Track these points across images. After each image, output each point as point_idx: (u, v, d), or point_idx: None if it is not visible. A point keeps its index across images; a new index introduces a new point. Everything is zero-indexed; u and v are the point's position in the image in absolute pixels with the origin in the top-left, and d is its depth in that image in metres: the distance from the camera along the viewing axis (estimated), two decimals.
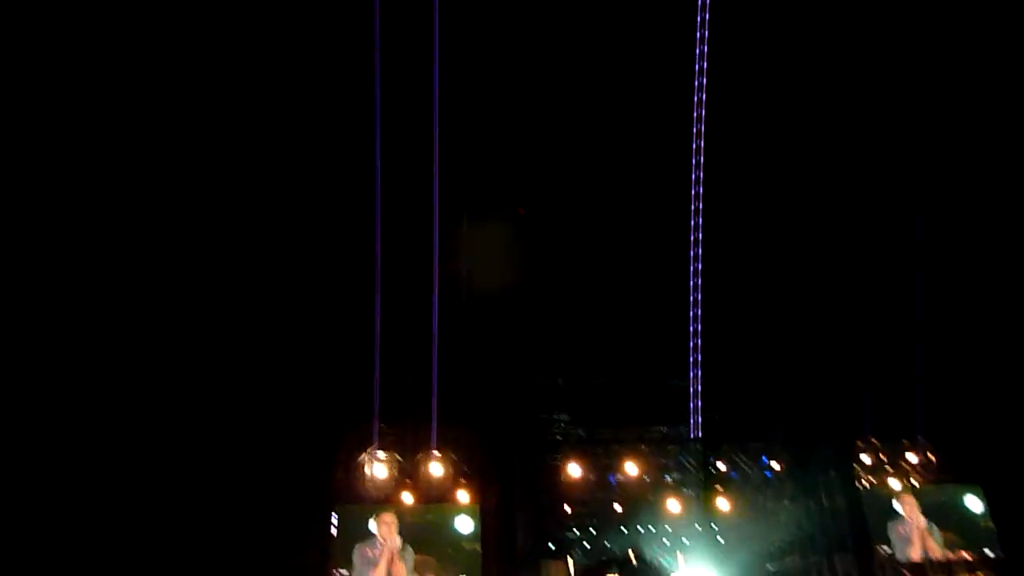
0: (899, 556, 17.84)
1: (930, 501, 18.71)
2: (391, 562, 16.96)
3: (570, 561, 23.78)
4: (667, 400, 19.75)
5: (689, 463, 20.73)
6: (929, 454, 19.32)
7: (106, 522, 14.79)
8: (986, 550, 18.00)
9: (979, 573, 17.69)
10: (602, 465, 20.90)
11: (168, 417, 15.77)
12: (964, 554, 18.00)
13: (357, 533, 17.07)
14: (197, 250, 15.86)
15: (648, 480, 21.17)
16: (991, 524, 18.26)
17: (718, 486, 21.23)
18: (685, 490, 21.16)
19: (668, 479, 21.38)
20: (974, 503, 18.48)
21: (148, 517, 15.40)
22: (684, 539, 24.05)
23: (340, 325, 16.43)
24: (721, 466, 21.08)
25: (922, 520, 18.22)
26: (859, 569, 18.50)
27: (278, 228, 16.19)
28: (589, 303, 16.57)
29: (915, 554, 17.86)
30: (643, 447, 20.70)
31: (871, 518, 18.60)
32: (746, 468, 21.37)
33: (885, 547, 18.25)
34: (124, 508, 15.11)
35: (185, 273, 15.76)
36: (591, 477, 20.91)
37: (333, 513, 17.23)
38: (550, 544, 23.51)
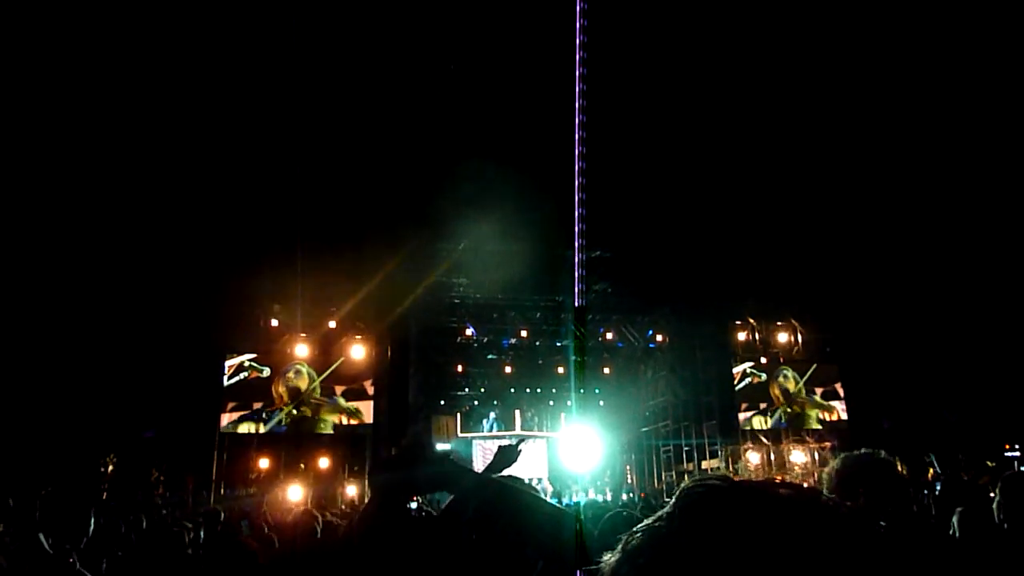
0: (744, 426, 19.82)
1: (791, 377, 20.45)
2: (284, 415, 17.39)
3: (459, 417, 24.88)
4: (564, 271, 20.20)
5: (579, 331, 21.52)
6: (798, 335, 20.81)
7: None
8: (836, 419, 20.04)
9: (826, 442, 19.65)
10: (496, 328, 21.50)
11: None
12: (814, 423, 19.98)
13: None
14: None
15: (539, 345, 22.00)
16: (841, 399, 20.20)
17: (604, 354, 22.30)
18: (573, 356, 22.08)
19: (558, 345, 22.26)
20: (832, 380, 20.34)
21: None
22: (568, 401, 25.50)
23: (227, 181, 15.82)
24: (609, 336, 22.05)
25: (770, 397, 20.08)
26: (721, 434, 20.23)
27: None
28: (485, 176, 16.40)
29: (759, 426, 19.88)
30: (537, 314, 21.33)
31: (740, 390, 20.22)
32: (632, 339, 22.49)
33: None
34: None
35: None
36: (485, 339, 21.52)
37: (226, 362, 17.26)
38: (441, 400, 24.43)
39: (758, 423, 19.71)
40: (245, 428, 16.83)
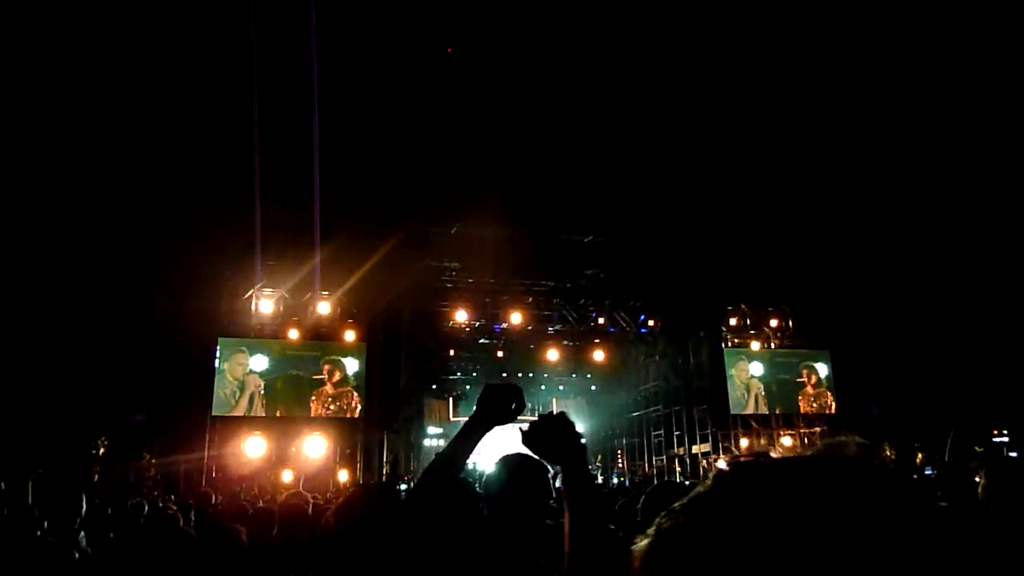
0: (732, 411, 19.76)
1: (781, 362, 20.49)
2: (252, 398, 17.30)
3: (451, 401, 24.90)
4: (557, 256, 20.19)
5: (571, 316, 21.58)
6: (789, 321, 20.87)
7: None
8: (826, 407, 20.11)
9: (816, 427, 19.78)
10: (488, 313, 21.45)
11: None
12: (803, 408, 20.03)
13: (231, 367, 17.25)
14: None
15: (531, 329, 21.97)
16: (832, 384, 20.27)
17: (596, 339, 22.30)
18: (565, 341, 22.12)
19: (550, 330, 22.24)
20: (821, 367, 20.39)
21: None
22: (560, 386, 25.58)
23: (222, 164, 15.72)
24: (601, 321, 22.04)
25: (754, 383, 20.03)
26: (712, 419, 20.31)
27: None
28: (486, 156, 16.34)
29: (746, 411, 19.85)
30: (529, 299, 21.28)
31: (728, 376, 20.26)
32: (624, 324, 22.50)
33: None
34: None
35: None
36: (477, 324, 21.47)
37: (216, 346, 17.19)
38: (433, 385, 24.43)
39: None
40: None
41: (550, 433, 1.94)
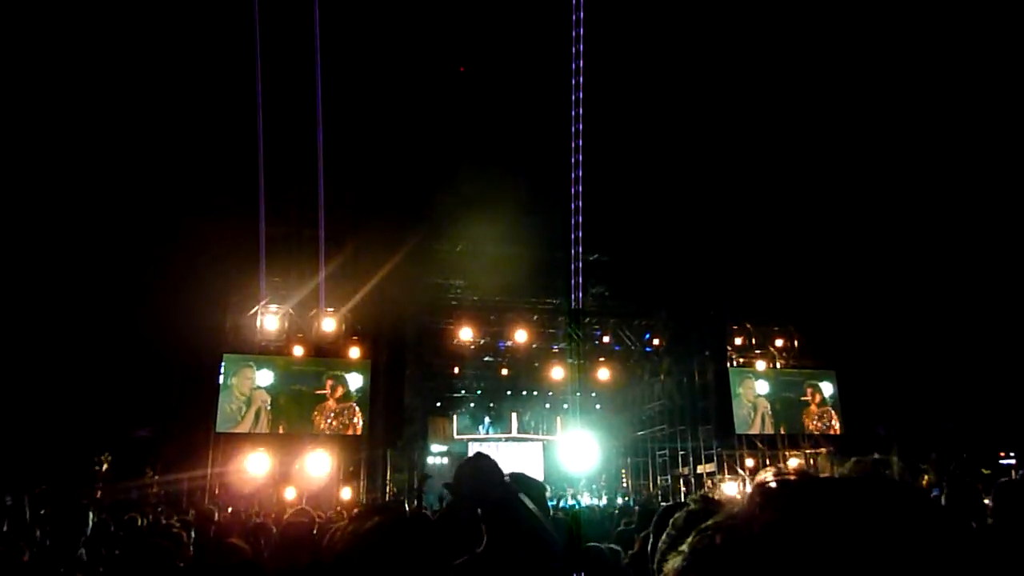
0: (738, 430, 19.57)
1: (786, 382, 20.37)
2: (258, 413, 17.27)
3: (455, 419, 24.83)
4: (560, 274, 20.16)
5: (576, 334, 21.51)
6: (794, 341, 20.78)
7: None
8: (830, 427, 19.96)
9: (823, 448, 19.63)
10: (493, 331, 21.41)
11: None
12: (809, 428, 19.86)
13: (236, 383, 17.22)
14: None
15: (536, 348, 21.92)
16: (838, 405, 20.14)
17: (601, 357, 22.24)
18: (569, 359, 22.05)
19: (555, 348, 22.18)
20: (826, 386, 20.26)
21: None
22: (564, 404, 25.50)
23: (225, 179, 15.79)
24: (606, 339, 21.99)
25: (761, 402, 19.87)
26: (717, 439, 20.18)
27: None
28: (484, 179, 16.40)
29: (752, 430, 19.67)
30: (534, 317, 21.24)
31: (734, 395, 20.15)
32: (629, 342, 22.45)
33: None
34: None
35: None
36: (481, 341, 21.43)
37: (222, 361, 17.18)
38: (437, 402, 24.37)
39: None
40: None
41: (470, 477, 1.96)
